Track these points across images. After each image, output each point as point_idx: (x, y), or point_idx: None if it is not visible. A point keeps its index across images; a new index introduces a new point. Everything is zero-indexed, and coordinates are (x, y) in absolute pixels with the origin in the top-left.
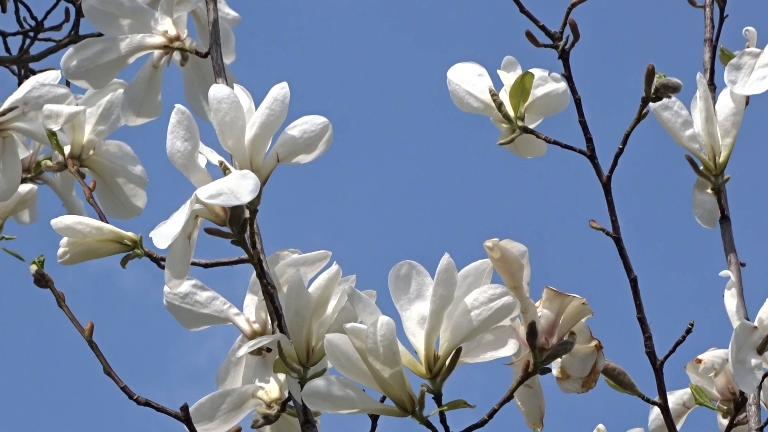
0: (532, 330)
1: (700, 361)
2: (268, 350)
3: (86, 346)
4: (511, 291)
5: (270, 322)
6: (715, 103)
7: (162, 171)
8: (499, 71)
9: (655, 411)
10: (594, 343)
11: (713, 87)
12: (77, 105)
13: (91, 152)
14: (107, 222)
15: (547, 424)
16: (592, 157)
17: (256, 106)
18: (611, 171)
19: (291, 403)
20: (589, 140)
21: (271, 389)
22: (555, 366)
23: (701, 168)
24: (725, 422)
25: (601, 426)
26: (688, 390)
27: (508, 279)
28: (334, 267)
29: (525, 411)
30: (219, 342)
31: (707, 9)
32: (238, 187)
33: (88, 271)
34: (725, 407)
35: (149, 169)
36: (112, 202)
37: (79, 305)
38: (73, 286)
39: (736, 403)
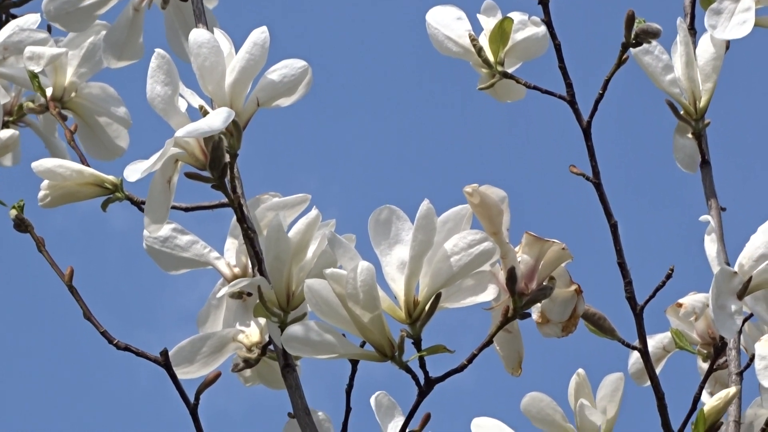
0: (511, 275)
1: (680, 305)
2: (249, 294)
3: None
4: (490, 236)
5: (250, 266)
6: (695, 48)
7: (144, 114)
8: (479, 15)
9: (635, 355)
10: (573, 287)
11: (693, 32)
12: (59, 47)
13: (73, 94)
14: (88, 165)
15: (527, 370)
16: (572, 102)
17: (237, 51)
18: (591, 116)
19: (271, 347)
20: (569, 85)
21: (251, 333)
22: (535, 311)
23: (682, 112)
24: (705, 366)
25: (580, 371)
26: (668, 334)
27: (488, 224)
28: (314, 211)
29: (504, 356)
30: (210, 285)
31: None
32: (212, 119)
33: (77, 213)
34: (705, 351)
35: (132, 112)
36: (95, 143)
37: (68, 247)
38: (63, 227)
39: (716, 348)
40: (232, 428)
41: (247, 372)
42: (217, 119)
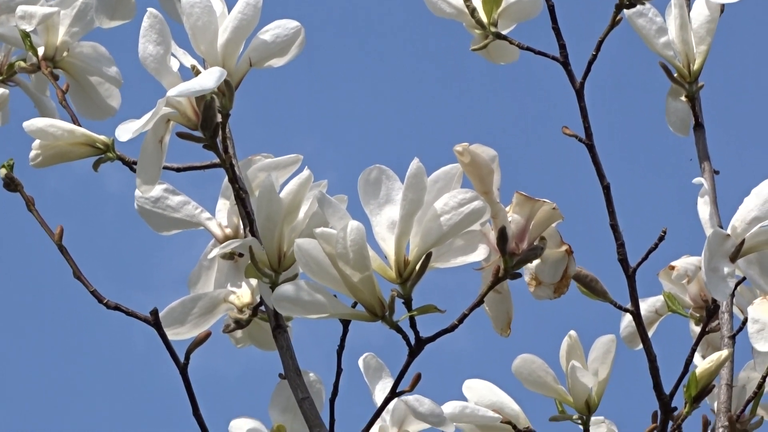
0: (502, 235)
1: (673, 268)
2: (240, 255)
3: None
4: (481, 196)
5: (242, 227)
6: (690, 11)
7: (137, 73)
8: None
9: (627, 318)
10: (564, 248)
11: None
12: (51, 6)
13: (65, 54)
14: (80, 125)
15: (520, 331)
16: (565, 63)
17: (229, 11)
18: (584, 77)
19: (263, 308)
20: (562, 47)
21: (242, 294)
22: (527, 272)
23: (675, 75)
24: (697, 329)
25: (572, 332)
26: (660, 297)
27: (478, 184)
28: (306, 172)
29: (493, 316)
30: (205, 246)
31: None
32: (203, 78)
33: (72, 173)
34: (698, 315)
35: (124, 72)
36: (87, 103)
37: (64, 207)
38: (57, 187)
39: (709, 311)
40: (223, 389)
41: (238, 333)
42: (209, 79)
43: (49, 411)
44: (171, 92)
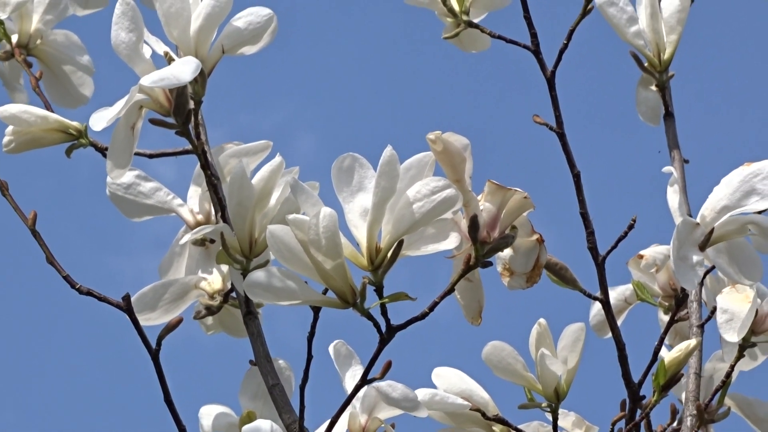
0: (474, 223)
1: (642, 256)
2: (212, 242)
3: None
4: (453, 184)
5: (214, 213)
6: (660, 1)
7: (109, 62)
8: None
9: (597, 306)
10: (535, 236)
11: None
12: None
13: (39, 41)
14: (53, 112)
15: (489, 319)
16: (536, 52)
17: None
18: (555, 66)
19: (233, 294)
20: (533, 35)
21: (213, 280)
22: (499, 263)
23: (646, 64)
24: (666, 318)
25: (542, 320)
26: (629, 286)
27: (451, 172)
28: (278, 158)
29: (464, 305)
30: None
31: None
32: (179, 70)
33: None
34: (666, 303)
35: (96, 60)
36: (60, 91)
37: (42, 175)
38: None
39: (677, 300)
40: (194, 374)
41: (209, 320)
42: (184, 71)
43: (22, 395)
44: (145, 82)
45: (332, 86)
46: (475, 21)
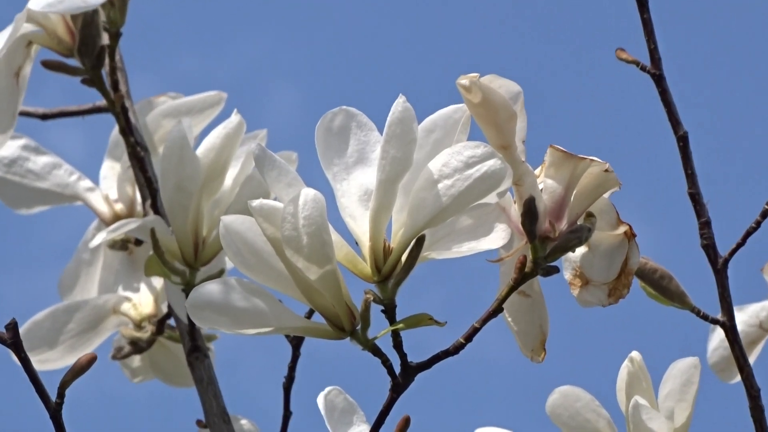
0: (530, 210)
1: None
2: (138, 243)
3: None
4: (498, 152)
5: (140, 200)
6: None
7: None
8: None
9: (718, 334)
10: (623, 229)
11: None
12: None
13: None
14: None
15: (554, 353)
16: None
17: None
18: None
19: (172, 321)
20: None
21: (141, 301)
22: (568, 267)
23: None
24: None
25: (635, 354)
26: (766, 304)
27: (494, 134)
28: (235, 117)
29: (519, 331)
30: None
31: None
32: None
33: None
34: None
35: None
36: None
37: None
38: None
39: None
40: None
41: (136, 360)
42: None
43: None
44: (35, 5)
45: (320, 17)
46: None
